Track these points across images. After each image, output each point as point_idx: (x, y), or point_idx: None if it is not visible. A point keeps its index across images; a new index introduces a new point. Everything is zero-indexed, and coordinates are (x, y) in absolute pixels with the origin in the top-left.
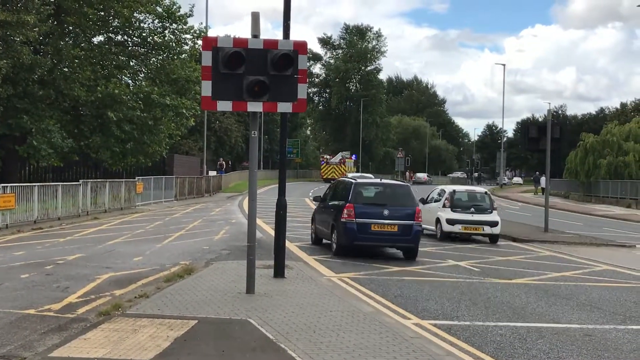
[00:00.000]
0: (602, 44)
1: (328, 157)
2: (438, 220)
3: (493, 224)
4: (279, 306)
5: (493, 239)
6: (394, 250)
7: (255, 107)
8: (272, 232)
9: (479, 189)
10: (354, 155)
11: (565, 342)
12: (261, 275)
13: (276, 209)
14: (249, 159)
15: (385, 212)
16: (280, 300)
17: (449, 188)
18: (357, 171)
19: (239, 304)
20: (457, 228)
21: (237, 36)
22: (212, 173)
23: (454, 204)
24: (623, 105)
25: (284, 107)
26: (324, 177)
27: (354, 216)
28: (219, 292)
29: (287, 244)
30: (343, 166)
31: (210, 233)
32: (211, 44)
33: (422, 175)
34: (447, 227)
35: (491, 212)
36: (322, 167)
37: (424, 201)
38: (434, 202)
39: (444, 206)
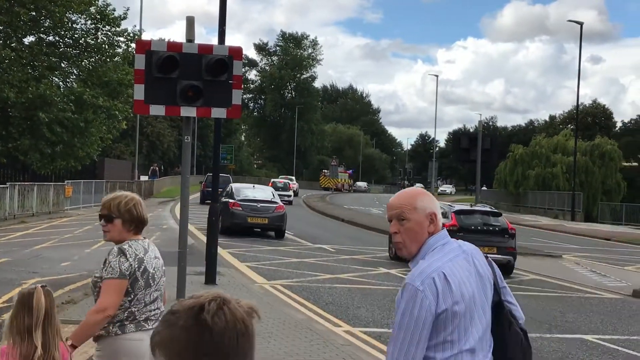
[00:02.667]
0: (530, 57)
1: (326, 171)
2: None
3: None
4: None
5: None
6: (323, 258)
7: (188, 112)
8: (204, 238)
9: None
10: (350, 170)
11: None
12: (192, 282)
13: (208, 214)
14: (181, 164)
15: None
16: None
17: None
18: (355, 181)
19: None
20: None
21: (170, 40)
22: (144, 178)
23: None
24: (552, 117)
25: (218, 112)
26: (322, 186)
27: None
28: None
29: (219, 250)
30: (336, 178)
31: None
32: (145, 47)
33: (362, 184)
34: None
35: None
36: (321, 178)
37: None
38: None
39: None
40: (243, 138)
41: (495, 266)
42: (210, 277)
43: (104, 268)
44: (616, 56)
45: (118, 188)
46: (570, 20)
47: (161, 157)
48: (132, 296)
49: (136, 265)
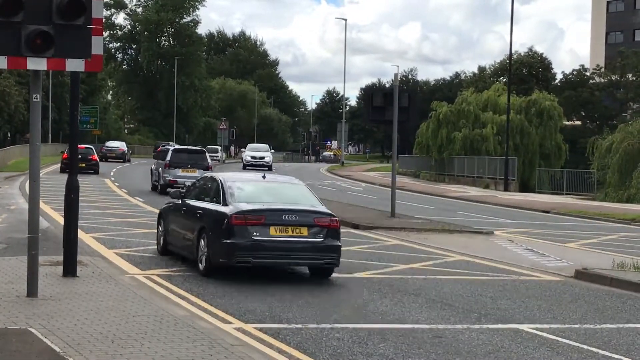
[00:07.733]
0: None
1: (329, 144)
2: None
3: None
4: (69, 311)
5: None
6: None
7: (37, 64)
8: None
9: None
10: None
11: (411, 345)
12: (47, 274)
13: (66, 191)
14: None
15: None
16: (70, 304)
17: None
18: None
19: (18, 309)
20: None
21: None
22: None
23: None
24: (481, 69)
25: (74, 64)
26: None
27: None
28: None
29: (82, 234)
30: (338, 150)
31: None
32: None
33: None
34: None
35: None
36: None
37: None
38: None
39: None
40: (110, 97)
41: None
42: (70, 268)
43: None
44: None
45: None
46: None
47: (8, 122)
48: None
49: None
